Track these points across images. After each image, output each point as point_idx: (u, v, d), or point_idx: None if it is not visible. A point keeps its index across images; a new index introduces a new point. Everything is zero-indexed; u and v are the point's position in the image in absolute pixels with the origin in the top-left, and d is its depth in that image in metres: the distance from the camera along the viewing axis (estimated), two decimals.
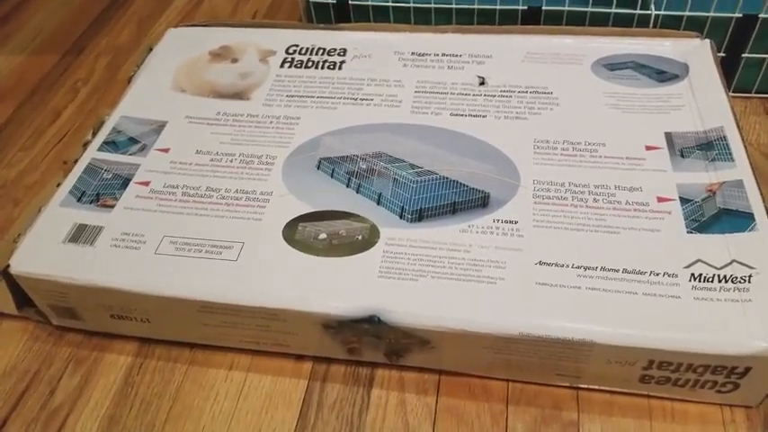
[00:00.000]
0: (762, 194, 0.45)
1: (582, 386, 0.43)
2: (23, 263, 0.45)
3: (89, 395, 0.45)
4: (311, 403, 0.44)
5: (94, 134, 0.56)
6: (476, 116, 0.54)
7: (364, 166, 0.51)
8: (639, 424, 0.42)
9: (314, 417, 0.43)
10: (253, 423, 0.43)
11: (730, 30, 0.58)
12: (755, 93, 0.62)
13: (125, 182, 0.51)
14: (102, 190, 0.50)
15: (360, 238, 0.45)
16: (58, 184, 0.51)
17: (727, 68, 0.60)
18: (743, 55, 0.60)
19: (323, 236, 0.46)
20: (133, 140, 0.54)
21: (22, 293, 0.47)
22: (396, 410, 0.43)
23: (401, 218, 0.47)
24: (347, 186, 0.49)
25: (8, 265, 0.45)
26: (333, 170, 0.51)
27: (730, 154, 0.47)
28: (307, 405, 0.44)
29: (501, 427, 0.42)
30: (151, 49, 0.64)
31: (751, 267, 0.41)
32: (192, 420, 0.43)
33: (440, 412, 0.43)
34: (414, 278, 0.43)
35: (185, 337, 0.47)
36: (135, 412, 0.44)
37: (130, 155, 0.53)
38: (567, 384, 0.43)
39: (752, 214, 0.44)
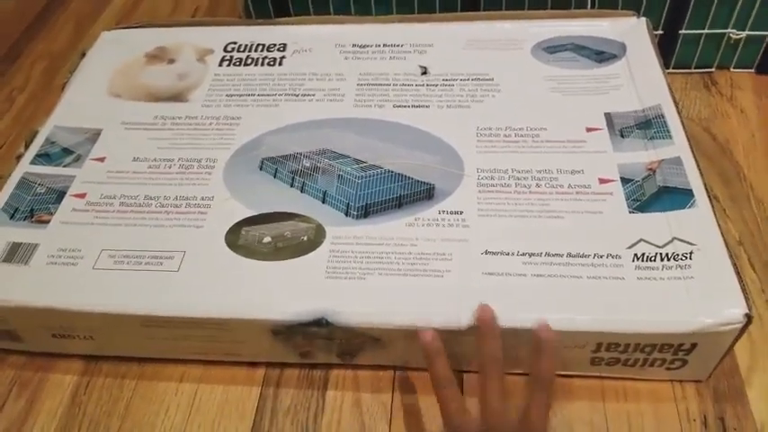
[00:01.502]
0: (700, 170, 0.45)
1: None
2: None
3: (35, 419, 0.44)
4: (265, 411, 0.43)
5: (27, 146, 0.53)
6: (419, 107, 0.53)
7: (308, 164, 0.50)
8: (593, 405, 0.42)
9: (268, 424, 0.42)
10: None
11: (666, 7, 0.59)
12: (695, 68, 0.63)
13: (60, 195, 0.49)
14: (37, 205, 0.48)
15: (305, 238, 0.45)
16: None
17: (666, 45, 0.60)
18: (680, 31, 0.60)
19: (267, 239, 0.45)
20: (67, 151, 0.52)
21: None
22: (351, 411, 0.43)
23: (347, 215, 0.46)
24: (291, 186, 0.48)
25: None
26: (276, 170, 0.49)
27: (668, 131, 0.48)
28: (260, 413, 0.43)
29: None
30: (84, 54, 0.61)
31: (691, 244, 0.41)
32: None
33: (396, 410, 0.43)
34: (361, 276, 0.42)
35: (132, 352, 0.46)
36: None
37: (65, 166, 0.51)
38: (522, 371, 0.43)
39: (690, 190, 0.44)
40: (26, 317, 0.43)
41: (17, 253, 0.45)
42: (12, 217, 0.47)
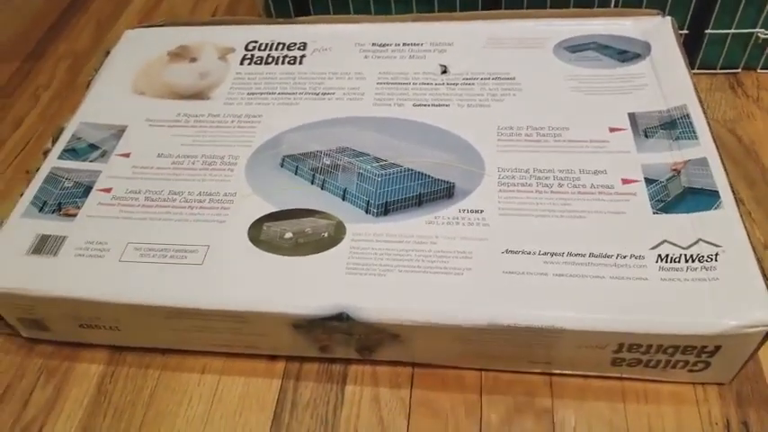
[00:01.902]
0: (726, 171, 0.45)
1: (555, 372, 0.43)
2: None
3: (62, 406, 0.45)
4: (285, 403, 0.44)
5: (54, 142, 0.54)
6: (439, 105, 0.53)
7: (328, 162, 0.50)
8: (613, 407, 0.42)
9: (288, 417, 0.43)
10: (227, 426, 0.43)
11: (692, 6, 0.58)
12: (720, 69, 0.62)
13: (87, 189, 0.50)
14: (64, 199, 0.49)
15: (326, 235, 0.45)
16: (21, 195, 0.50)
17: (691, 45, 0.60)
18: (706, 31, 0.59)
19: (288, 235, 0.45)
20: (93, 147, 0.53)
21: None
22: (370, 406, 0.43)
23: (367, 212, 0.46)
24: (312, 183, 0.49)
25: None
26: (297, 167, 0.50)
27: (694, 132, 0.47)
28: (281, 406, 0.44)
29: (475, 419, 0.42)
30: (108, 53, 0.63)
31: (717, 246, 0.41)
32: (167, 426, 0.43)
33: (414, 406, 0.43)
34: (381, 273, 0.42)
35: (156, 343, 0.47)
36: (109, 421, 0.44)
37: (91, 161, 0.52)
38: (540, 371, 0.43)
39: (717, 192, 0.44)
40: (54, 307, 0.44)
41: (46, 245, 0.46)
42: (40, 210, 0.49)
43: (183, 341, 0.46)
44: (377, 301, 0.41)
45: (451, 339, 0.41)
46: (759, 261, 0.40)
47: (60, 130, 0.55)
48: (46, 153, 0.54)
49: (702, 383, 0.42)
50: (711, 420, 0.41)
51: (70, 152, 0.53)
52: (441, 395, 0.43)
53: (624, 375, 0.42)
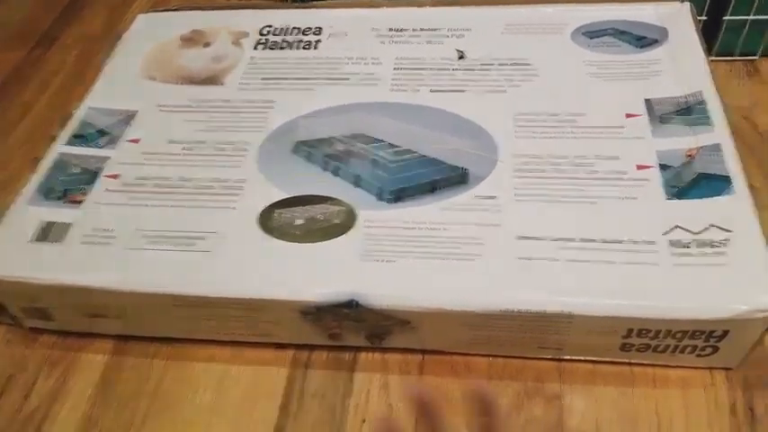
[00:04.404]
0: (739, 157, 0.44)
1: (564, 357, 0.43)
2: None
3: (65, 397, 0.44)
4: (293, 392, 0.43)
5: (62, 127, 0.54)
6: (455, 91, 0.53)
7: (342, 148, 0.49)
8: (622, 392, 0.41)
9: (296, 405, 0.43)
10: (234, 415, 0.42)
11: None
12: (738, 56, 0.61)
13: (94, 175, 0.49)
14: (71, 185, 0.49)
15: (337, 221, 0.44)
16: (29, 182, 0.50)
17: (709, 32, 0.59)
18: (724, 18, 0.58)
19: (300, 221, 0.45)
20: (102, 132, 0.53)
21: None
22: (379, 393, 0.43)
23: (379, 199, 0.46)
24: (324, 170, 0.48)
25: None
26: (309, 153, 0.49)
27: (709, 118, 0.47)
28: (288, 394, 0.43)
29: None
30: (120, 37, 0.62)
31: (728, 231, 0.41)
32: (173, 416, 0.43)
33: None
34: (392, 259, 0.42)
35: (163, 332, 0.46)
36: (113, 412, 0.43)
37: (100, 147, 0.52)
38: (550, 357, 0.43)
39: (728, 177, 0.43)
40: (59, 295, 0.44)
41: (51, 232, 0.46)
42: (46, 197, 0.48)
43: (191, 330, 0.45)
44: (387, 287, 0.41)
45: (462, 325, 0.41)
46: None
47: (69, 116, 0.55)
48: (54, 139, 0.53)
49: (710, 368, 0.42)
50: (718, 404, 0.40)
51: (78, 138, 0.53)
52: (451, 382, 0.43)
53: (633, 360, 0.42)
